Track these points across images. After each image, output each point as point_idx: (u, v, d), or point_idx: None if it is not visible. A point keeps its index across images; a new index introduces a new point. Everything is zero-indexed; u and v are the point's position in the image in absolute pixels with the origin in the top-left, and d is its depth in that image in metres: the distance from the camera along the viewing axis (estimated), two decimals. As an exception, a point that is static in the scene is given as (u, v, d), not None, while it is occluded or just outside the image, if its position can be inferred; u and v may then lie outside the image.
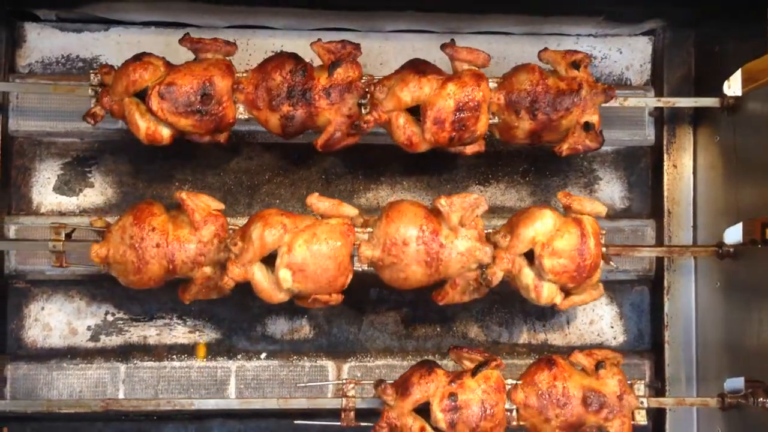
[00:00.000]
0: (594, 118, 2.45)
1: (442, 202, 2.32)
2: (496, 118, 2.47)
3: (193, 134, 2.40)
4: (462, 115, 2.37)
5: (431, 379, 2.31)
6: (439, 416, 2.28)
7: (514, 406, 2.37)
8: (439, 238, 2.33)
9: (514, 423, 2.37)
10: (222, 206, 2.40)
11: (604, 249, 2.46)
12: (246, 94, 2.38)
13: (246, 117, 2.42)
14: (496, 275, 2.33)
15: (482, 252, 2.36)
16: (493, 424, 2.30)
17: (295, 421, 2.43)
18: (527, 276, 2.37)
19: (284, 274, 2.26)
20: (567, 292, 2.46)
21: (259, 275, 2.29)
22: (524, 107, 2.41)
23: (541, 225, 2.35)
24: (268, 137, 2.62)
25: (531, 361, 2.72)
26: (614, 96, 2.47)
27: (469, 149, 2.48)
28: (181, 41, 2.41)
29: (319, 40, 2.45)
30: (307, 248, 2.26)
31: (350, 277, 2.36)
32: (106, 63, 2.54)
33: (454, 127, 2.37)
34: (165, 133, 2.38)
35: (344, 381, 2.42)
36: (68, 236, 2.41)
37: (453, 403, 2.28)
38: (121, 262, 2.30)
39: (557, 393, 2.34)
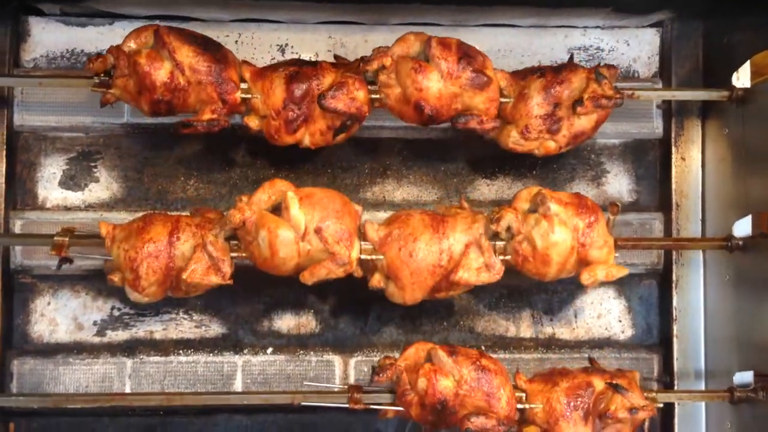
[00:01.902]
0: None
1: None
2: (508, 98, 2.48)
3: (193, 69, 2.36)
4: (466, 48, 2.44)
5: (426, 342, 2.41)
6: (437, 348, 2.34)
7: (523, 394, 2.39)
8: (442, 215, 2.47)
9: (526, 405, 2.38)
10: None
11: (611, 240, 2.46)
12: (252, 68, 2.44)
13: (248, 96, 2.41)
14: (504, 216, 2.35)
15: (484, 216, 2.41)
16: (496, 367, 2.34)
17: (303, 402, 2.41)
18: (533, 215, 2.39)
19: (291, 195, 2.30)
20: (585, 261, 2.44)
21: (265, 211, 2.33)
22: (530, 72, 2.50)
23: (534, 188, 2.45)
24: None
25: (538, 356, 2.74)
26: (618, 71, 2.51)
27: (487, 122, 2.46)
28: None
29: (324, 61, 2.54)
30: (314, 187, 2.40)
31: (357, 246, 2.35)
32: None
33: (460, 50, 2.42)
34: (166, 65, 2.35)
35: (349, 386, 2.42)
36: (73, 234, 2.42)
37: (452, 350, 2.35)
38: (126, 228, 2.36)
39: (559, 369, 2.44)
